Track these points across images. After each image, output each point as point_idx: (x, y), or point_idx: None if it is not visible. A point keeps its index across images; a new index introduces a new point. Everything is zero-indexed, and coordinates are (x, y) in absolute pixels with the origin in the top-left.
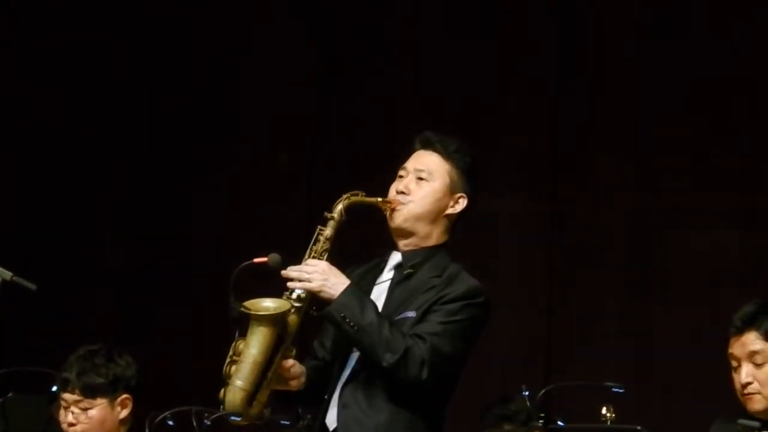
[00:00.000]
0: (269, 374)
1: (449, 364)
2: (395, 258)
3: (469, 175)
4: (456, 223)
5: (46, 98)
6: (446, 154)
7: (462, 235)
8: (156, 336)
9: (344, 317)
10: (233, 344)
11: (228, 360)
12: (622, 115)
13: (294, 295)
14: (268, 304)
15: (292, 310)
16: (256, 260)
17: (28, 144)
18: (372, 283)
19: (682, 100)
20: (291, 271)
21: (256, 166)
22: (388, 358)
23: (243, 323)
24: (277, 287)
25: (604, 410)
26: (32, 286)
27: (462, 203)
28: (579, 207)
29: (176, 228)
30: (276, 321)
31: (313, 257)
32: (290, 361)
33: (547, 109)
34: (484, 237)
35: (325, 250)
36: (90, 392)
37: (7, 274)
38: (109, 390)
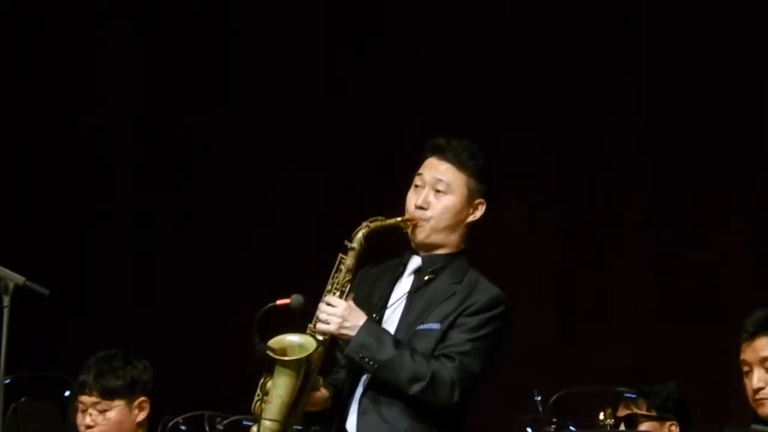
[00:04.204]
0: (298, 408)
1: (478, 382)
2: (414, 262)
3: (484, 179)
4: (473, 228)
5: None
6: (461, 163)
7: (472, 242)
8: (169, 341)
9: (362, 357)
10: (261, 382)
11: (256, 398)
12: (634, 119)
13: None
14: (293, 340)
15: (319, 349)
16: (279, 302)
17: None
18: (390, 288)
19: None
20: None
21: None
22: (416, 388)
23: (269, 359)
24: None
25: (601, 415)
26: (45, 291)
27: (481, 209)
28: (588, 213)
29: (191, 232)
30: (301, 363)
31: (336, 288)
32: (317, 392)
33: (554, 113)
34: (494, 243)
35: (347, 281)
36: (108, 394)
37: (20, 279)
38: (126, 392)
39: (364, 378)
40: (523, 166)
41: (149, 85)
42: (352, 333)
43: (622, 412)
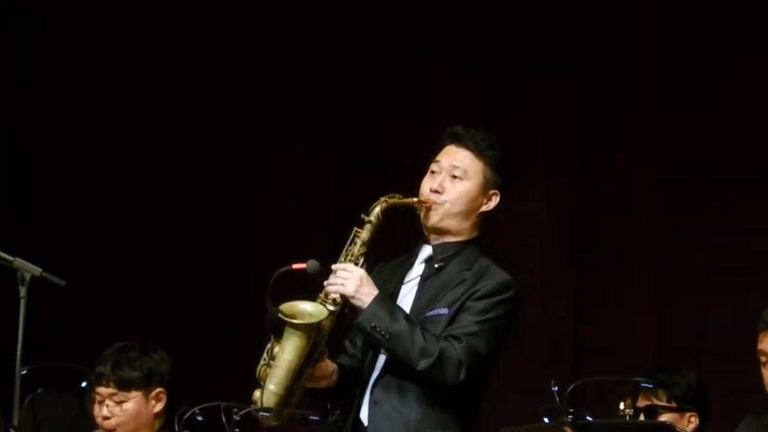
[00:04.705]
0: (303, 378)
1: (485, 364)
2: (425, 251)
3: (500, 169)
4: (487, 218)
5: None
6: (479, 152)
7: (489, 230)
8: (185, 333)
9: (374, 327)
10: (268, 346)
11: (262, 362)
12: (647, 111)
13: (329, 298)
14: (304, 308)
15: (330, 317)
16: (295, 266)
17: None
18: (402, 278)
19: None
20: (330, 280)
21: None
22: (423, 364)
23: (278, 325)
24: (313, 290)
25: (622, 405)
26: (62, 282)
27: (495, 200)
28: (604, 201)
29: (209, 224)
30: (312, 329)
31: (349, 260)
32: (323, 363)
33: (574, 105)
34: (511, 232)
35: (361, 254)
36: (125, 385)
37: (37, 270)
38: (143, 383)
39: (377, 365)
40: (536, 157)
41: (149, 83)
42: (365, 300)
43: (641, 403)
